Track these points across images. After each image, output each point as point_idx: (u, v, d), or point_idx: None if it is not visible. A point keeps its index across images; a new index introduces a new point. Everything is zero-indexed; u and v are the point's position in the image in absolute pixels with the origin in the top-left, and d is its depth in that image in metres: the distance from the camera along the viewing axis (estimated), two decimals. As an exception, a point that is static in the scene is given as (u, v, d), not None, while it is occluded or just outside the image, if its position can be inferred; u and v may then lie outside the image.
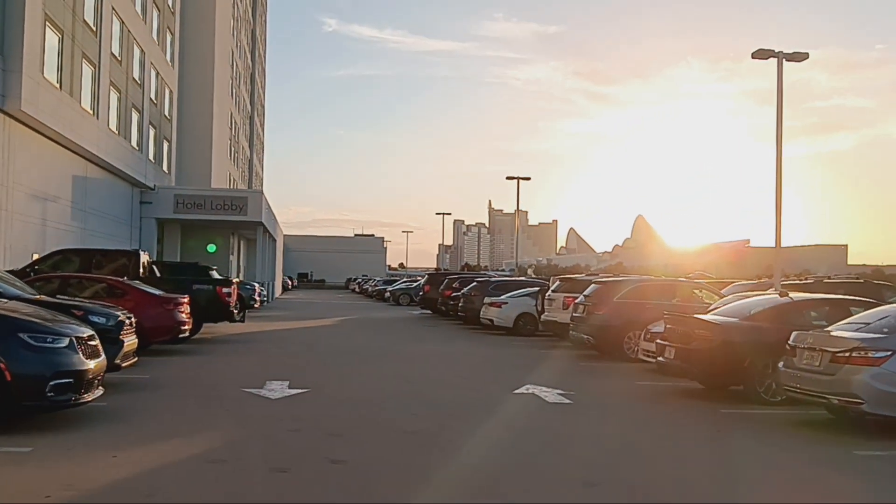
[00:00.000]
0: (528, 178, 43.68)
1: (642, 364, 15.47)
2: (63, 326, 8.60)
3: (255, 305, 33.65)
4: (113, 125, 32.91)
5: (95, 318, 10.63)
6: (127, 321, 11.18)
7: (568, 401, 11.13)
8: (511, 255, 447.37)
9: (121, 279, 15.89)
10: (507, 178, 43.23)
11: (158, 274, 20.21)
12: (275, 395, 10.86)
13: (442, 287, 33.40)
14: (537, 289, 25.44)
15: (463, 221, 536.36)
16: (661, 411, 10.92)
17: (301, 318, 31.32)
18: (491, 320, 24.76)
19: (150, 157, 40.62)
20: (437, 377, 13.68)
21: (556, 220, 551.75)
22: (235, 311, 19.15)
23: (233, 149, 73.17)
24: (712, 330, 11.49)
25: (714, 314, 12.60)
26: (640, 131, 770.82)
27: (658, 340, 12.76)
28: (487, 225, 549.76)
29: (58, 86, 25.53)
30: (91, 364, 8.58)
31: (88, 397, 8.61)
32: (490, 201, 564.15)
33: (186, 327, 15.92)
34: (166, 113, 44.47)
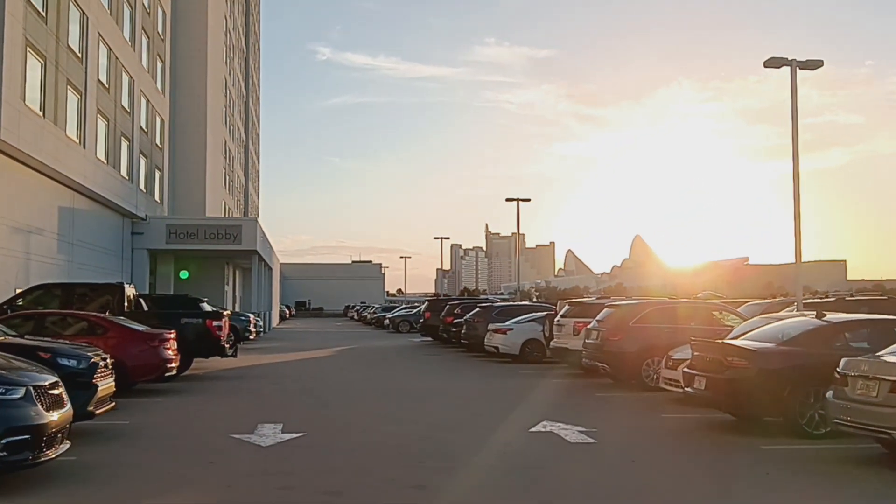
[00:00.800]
0: (529, 200, 42.79)
1: (663, 393, 14.42)
2: (20, 374, 7.52)
3: (251, 337, 32.54)
4: (101, 154, 31.95)
5: (65, 361, 9.55)
6: (102, 363, 10.09)
7: (591, 440, 10.03)
8: (509, 278, 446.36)
9: (102, 315, 14.81)
10: (507, 199, 42.28)
11: (146, 307, 19.14)
12: (266, 442, 9.75)
13: (443, 313, 32.34)
14: (543, 314, 24.37)
15: (460, 245, 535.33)
16: (697, 449, 9.83)
17: (298, 350, 30.19)
18: (496, 347, 23.67)
19: (142, 186, 39.63)
20: (444, 417, 12.56)
21: (554, 242, 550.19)
22: (227, 346, 18.05)
23: (228, 178, 72.32)
24: (748, 357, 10.43)
25: (745, 339, 11.53)
26: (633, 152, 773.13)
27: (684, 369, 11.69)
28: (485, 248, 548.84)
29: (40, 113, 24.58)
30: (53, 416, 7.50)
31: (51, 454, 7.51)
32: (487, 225, 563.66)
33: (173, 365, 14.83)
34: (157, 142, 43.57)
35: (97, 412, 9.80)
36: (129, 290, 18.08)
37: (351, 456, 9.12)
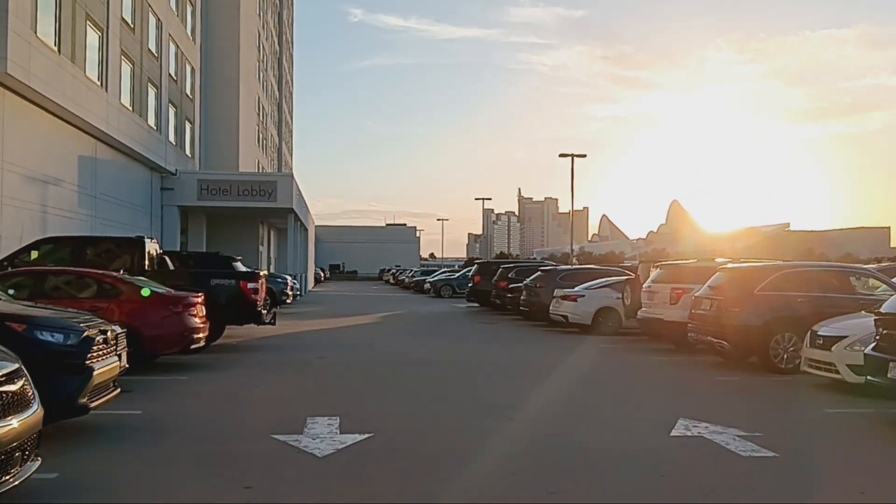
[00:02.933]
0: (584, 156, 39.57)
1: (799, 377, 11.66)
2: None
3: (288, 301, 30.07)
4: (126, 100, 29.41)
5: (46, 336, 6.92)
6: (100, 336, 7.46)
7: (769, 452, 7.20)
8: (541, 243, 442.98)
9: (115, 274, 12.22)
10: (561, 154, 39.14)
11: (171, 266, 16.59)
12: (323, 449, 7.08)
13: (496, 278, 29.54)
14: (618, 279, 21.52)
15: (492, 210, 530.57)
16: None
17: (339, 315, 27.64)
18: (564, 316, 20.85)
19: (171, 138, 37.16)
20: (549, 408, 9.78)
21: (587, 208, 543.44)
22: (264, 312, 15.46)
23: (261, 135, 69.83)
24: None
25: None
26: (669, 114, 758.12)
27: (869, 351, 8.81)
28: (517, 213, 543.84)
29: (55, 49, 21.99)
30: (11, 424, 4.88)
31: (9, 480, 4.92)
32: (519, 189, 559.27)
33: (201, 335, 12.25)
34: (188, 92, 40.99)
35: (93, 404, 7.20)
36: (151, 246, 15.50)
37: (452, 475, 6.40)
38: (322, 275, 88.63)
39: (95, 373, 7.17)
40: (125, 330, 10.04)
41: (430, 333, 20.58)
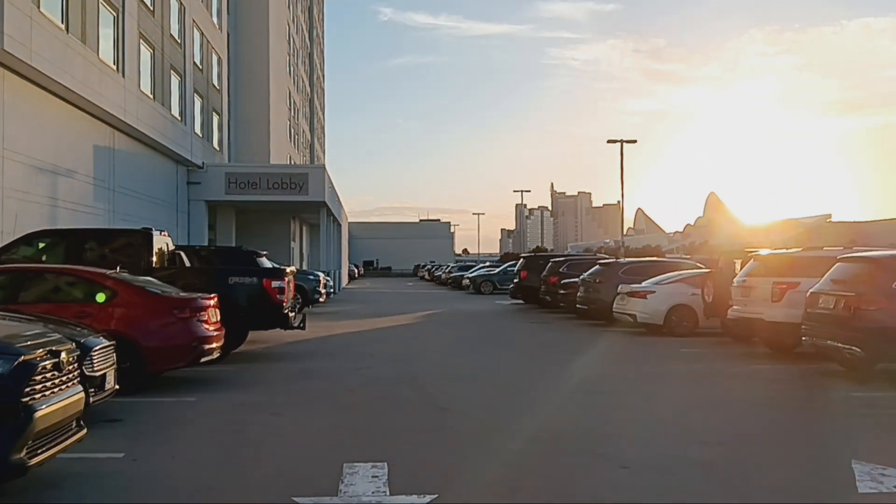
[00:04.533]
0: (635, 141, 36.88)
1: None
2: None
3: (321, 299, 27.89)
4: (146, 87, 27.44)
5: (-42, 363, 4.70)
6: (48, 361, 5.22)
7: None
8: (575, 238, 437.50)
9: (108, 272, 10.03)
10: (609, 141, 36.48)
11: (187, 263, 14.43)
12: (367, 527, 4.80)
13: (545, 273, 27.09)
14: (694, 272, 19.01)
15: (525, 205, 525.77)
16: None
17: (376, 315, 25.38)
18: (632, 315, 18.36)
19: (197, 130, 35.23)
20: (667, 443, 7.39)
21: (621, 201, 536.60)
22: (291, 314, 13.21)
23: (292, 130, 68.07)
24: None
25: None
26: (704, 108, 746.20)
27: None
28: (550, 208, 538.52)
29: (62, 26, 19.99)
30: None
31: None
32: (552, 184, 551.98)
33: (213, 345, 10.03)
34: (214, 82, 39.06)
35: (36, 459, 4.96)
36: (161, 240, 13.34)
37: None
38: (356, 271, 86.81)
39: (39, 414, 4.93)
40: (113, 343, 7.91)
41: (480, 337, 18.20)
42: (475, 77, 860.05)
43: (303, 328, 13.97)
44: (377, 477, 5.83)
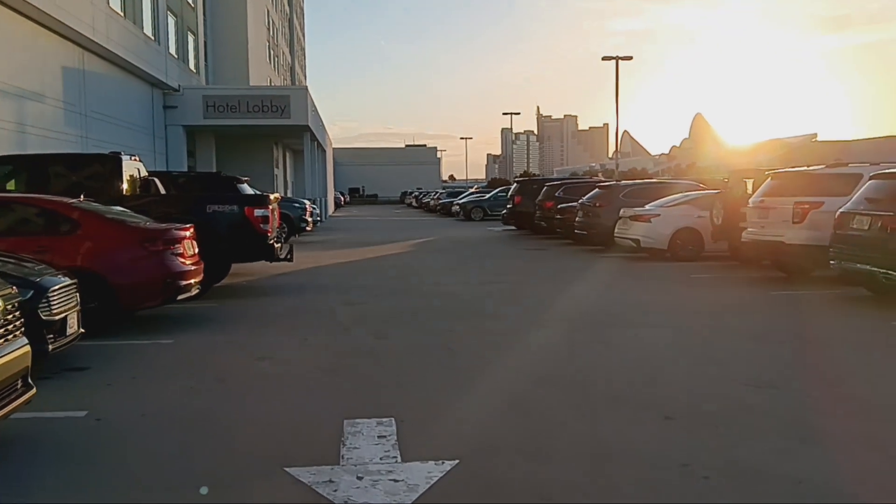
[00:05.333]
0: (630, 58, 35.33)
1: None
2: None
3: (307, 228, 26.87)
4: (115, 4, 25.70)
5: None
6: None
7: None
8: (561, 162, 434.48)
9: (69, 200, 8.95)
10: (604, 58, 35.01)
11: (162, 190, 13.31)
12: (378, 501, 3.94)
13: (540, 198, 26.11)
14: (699, 194, 18.10)
15: (511, 130, 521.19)
16: None
17: (366, 244, 24.42)
18: (635, 240, 17.52)
19: (172, 51, 33.47)
20: (715, 386, 6.57)
21: (608, 124, 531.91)
22: (277, 245, 12.22)
23: (272, 52, 65.63)
24: None
25: None
26: (692, 28, 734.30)
27: None
28: (536, 132, 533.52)
29: (17, -67, 18.29)
30: None
31: None
32: (538, 107, 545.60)
33: (190, 281, 9.06)
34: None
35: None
36: (132, 166, 12.19)
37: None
38: (342, 199, 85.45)
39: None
40: (75, 281, 6.95)
41: (478, 266, 17.30)
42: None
43: (290, 260, 13.00)
44: (384, 437, 4.96)
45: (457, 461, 4.50)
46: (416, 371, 6.97)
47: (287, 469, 4.41)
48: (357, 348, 7.99)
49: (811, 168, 13.27)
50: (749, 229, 13.49)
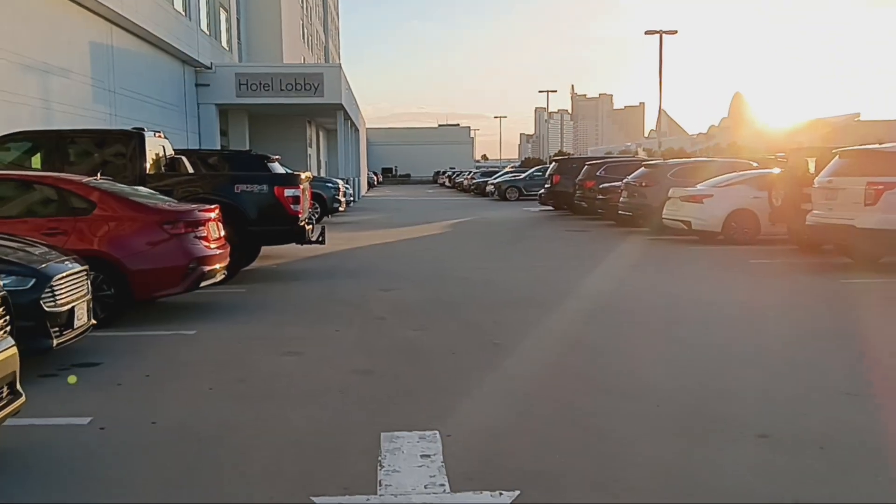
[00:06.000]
0: (675, 32, 34.01)
1: None
2: None
3: (340, 209, 26.18)
4: (144, -22, 25.08)
5: None
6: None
7: None
8: (595, 141, 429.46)
9: (82, 179, 8.30)
10: (647, 32, 33.69)
11: (190, 169, 12.63)
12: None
13: (581, 177, 25.15)
14: (753, 173, 17.09)
15: (544, 109, 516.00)
16: None
17: (400, 224, 23.69)
18: (686, 222, 16.57)
19: (203, 27, 32.86)
20: (811, 397, 5.75)
21: (644, 103, 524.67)
22: (308, 227, 11.52)
23: (306, 31, 64.85)
24: None
25: None
26: (733, 3, 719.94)
27: None
28: (570, 111, 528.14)
29: None
30: None
31: None
32: (573, 86, 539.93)
33: (216, 265, 8.39)
34: (221, -25, 36.37)
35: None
36: (156, 143, 11.53)
37: None
38: (375, 179, 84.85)
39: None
40: (85, 268, 6.31)
41: (519, 249, 16.49)
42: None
43: (322, 242, 12.30)
44: (428, 457, 4.22)
45: (517, 492, 3.75)
46: (460, 373, 6.21)
47: (314, 499, 3.69)
48: (393, 344, 7.24)
49: (885, 146, 12.21)
50: (814, 212, 12.49)
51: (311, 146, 47.34)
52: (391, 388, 5.72)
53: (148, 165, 10.91)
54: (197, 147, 29.82)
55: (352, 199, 34.89)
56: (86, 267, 6.45)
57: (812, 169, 14.11)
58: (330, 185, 26.31)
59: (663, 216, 17.49)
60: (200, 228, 8.23)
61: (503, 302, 9.46)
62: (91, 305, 6.51)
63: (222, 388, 5.78)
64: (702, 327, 7.92)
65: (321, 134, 54.87)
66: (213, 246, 8.46)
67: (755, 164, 18.98)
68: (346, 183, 32.77)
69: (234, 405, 5.35)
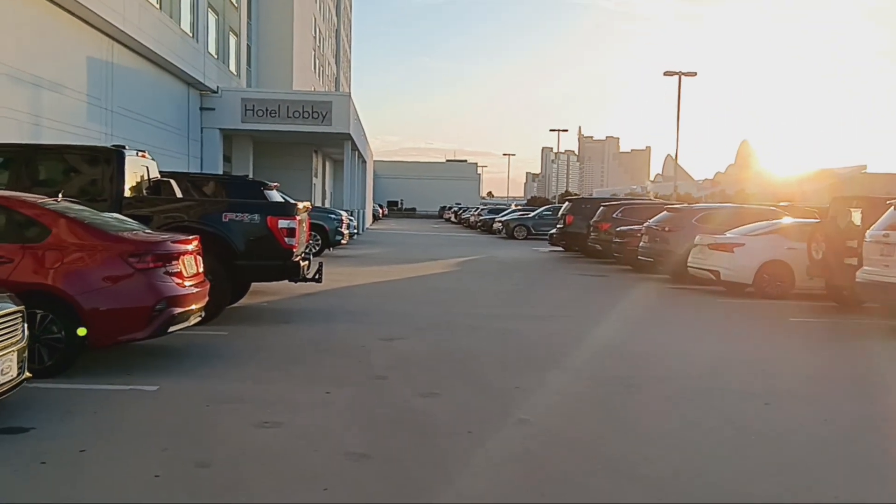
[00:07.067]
0: (695, 74, 33.08)
1: None
2: None
3: (343, 241, 24.98)
4: (150, -6, 24.20)
5: None
6: None
7: None
8: (601, 183, 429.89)
9: (39, 200, 7.07)
10: (666, 73, 32.77)
11: (178, 193, 11.43)
12: None
13: (596, 218, 23.96)
14: (788, 222, 15.87)
15: (551, 149, 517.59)
16: None
17: (405, 261, 22.44)
18: (714, 271, 15.28)
19: (211, 50, 31.99)
20: None
21: (650, 147, 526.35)
22: (304, 263, 10.27)
23: (317, 61, 64.33)
24: None
25: None
26: (739, 52, 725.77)
27: None
28: (577, 152, 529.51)
29: None
30: None
31: None
32: (580, 127, 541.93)
33: (191, 306, 7.14)
34: (232, -1, 35.64)
35: None
36: (138, 163, 10.33)
37: None
38: (380, 211, 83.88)
39: None
40: (19, 309, 5.10)
41: (534, 294, 15.22)
42: (502, 16, 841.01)
43: (319, 280, 11.03)
44: None
45: None
46: (482, 463, 4.89)
47: None
48: (396, 414, 5.93)
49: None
50: (865, 268, 11.23)
51: (316, 176, 46.32)
52: (392, 484, 4.42)
53: (127, 187, 9.70)
54: (199, 172, 28.75)
55: (356, 231, 33.74)
56: (21, 307, 5.21)
57: (857, 220, 12.93)
58: (333, 216, 25.14)
59: (688, 264, 16.22)
60: (173, 263, 6.99)
61: (524, 361, 8.16)
62: (24, 355, 5.25)
63: (173, 474, 4.47)
64: (761, 401, 6.59)
65: (327, 164, 53.91)
66: (187, 283, 7.20)
67: (782, 212, 17.77)
68: (351, 215, 31.65)
69: (192, 498, 4.04)
